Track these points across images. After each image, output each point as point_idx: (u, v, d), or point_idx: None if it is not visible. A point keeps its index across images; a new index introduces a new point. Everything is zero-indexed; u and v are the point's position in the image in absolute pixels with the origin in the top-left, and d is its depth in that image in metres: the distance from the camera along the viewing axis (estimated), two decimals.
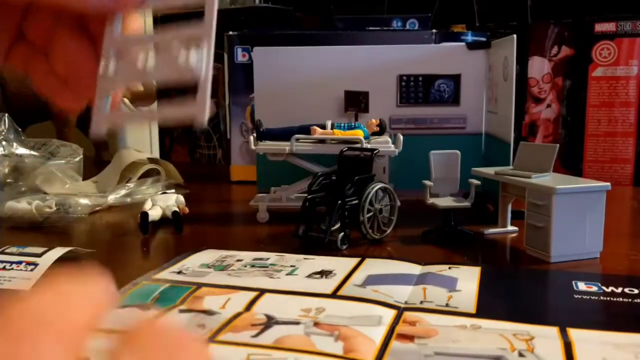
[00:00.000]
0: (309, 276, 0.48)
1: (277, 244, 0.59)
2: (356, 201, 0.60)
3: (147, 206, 0.69)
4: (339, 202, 0.59)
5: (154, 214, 0.68)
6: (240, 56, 0.98)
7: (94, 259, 0.56)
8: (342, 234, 0.59)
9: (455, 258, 0.55)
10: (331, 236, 0.58)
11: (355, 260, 0.53)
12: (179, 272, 0.50)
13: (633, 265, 0.54)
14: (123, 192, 0.82)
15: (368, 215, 0.60)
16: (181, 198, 0.73)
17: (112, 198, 0.80)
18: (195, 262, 0.53)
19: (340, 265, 0.51)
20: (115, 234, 0.68)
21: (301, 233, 0.60)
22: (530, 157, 0.60)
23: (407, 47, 0.79)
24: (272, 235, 0.66)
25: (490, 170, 0.63)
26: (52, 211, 0.70)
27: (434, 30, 0.89)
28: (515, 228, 0.65)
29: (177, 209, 0.68)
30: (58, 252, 0.53)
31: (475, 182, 0.63)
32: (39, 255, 0.52)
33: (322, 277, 0.48)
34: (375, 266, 0.51)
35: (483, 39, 0.90)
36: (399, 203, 0.64)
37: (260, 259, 0.53)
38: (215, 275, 0.49)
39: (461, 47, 0.78)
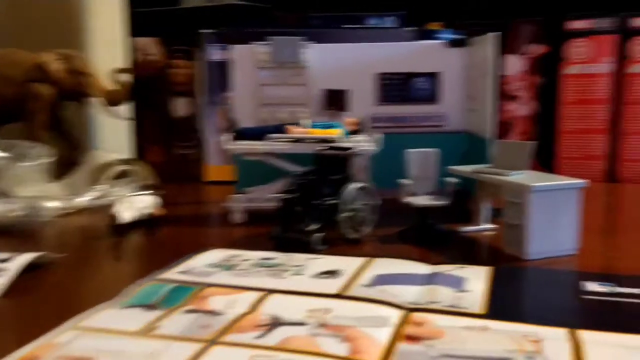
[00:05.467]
0: (316, 276, 0.48)
1: (254, 246, 0.58)
2: (334, 201, 0.59)
3: (120, 208, 0.68)
4: (317, 202, 0.58)
5: (128, 216, 0.67)
6: (216, 54, 0.96)
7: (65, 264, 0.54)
8: (320, 234, 0.58)
9: (431, 257, 0.55)
10: (308, 237, 0.58)
11: (363, 260, 0.52)
12: (185, 272, 0.49)
13: (608, 263, 0.54)
14: (95, 194, 0.80)
15: (346, 215, 0.60)
16: (156, 199, 0.72)
17: (83, 200, 0.78)
18: (202, 262, 0.52)
19: (348, 265, 0.51)
20: (87, 237, 0.66)
21: (278, 234, 0.60)
22: (507, 155, 0.60)
23: (387, 45, 0.79)
24: (248, 236, 0.65)
25: (467, 169, 0.63)
26: (21, 214, 0.68)
27: (411, 28, 0.89)
28: (492, 226, 0.65)
29: (151, 211, 0.67)
30: (28, 257, 0.51)
31: (452, 180, 0.62)
32: (7, 261, 0.50)
33: (329, 277, 0.48)
34: (383, 266, 0.50)
35: (459, 36, 0.90)
36: (377, 202, 0.64)
37: (267, 258, 0.53)
38: (221, 275, 0.48)
39: (440, 45, 0.77)
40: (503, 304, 0.42)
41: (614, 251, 0.57)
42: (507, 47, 1.05)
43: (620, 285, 0.45)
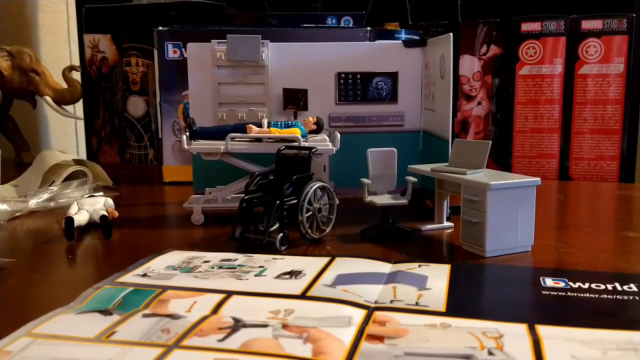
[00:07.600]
0: (278, 277, 0.47)
1: (214, 247, 0.57)
2: (295, 201, 0.59)
3: (73, 211, 0.66)
4: (277, 202, 0.58)
5: (80, 218, 0.64)
6: (171, 52, 0.94)
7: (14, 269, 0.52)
8: (281, 234, 0.58)
9: (393, 255, 0.55)
10: (269, 237, 0.57)
11: (325, 260, 0.52)
12: (144, 275, 0.48)
13: (562, 257, 0.56)
14: (46, 196, 0.77)
15: (307, 215, 0.59)
16: (110, 201, 0.70)
17: (33, 203, 0.75)
18: (161, 264, 0.51)
19: (310, 265, 0.50)
20: (38, 241, 0.64)
21: (238, 235, 0.59)
22: (465, 154, 0.61)
23: (346, 44, 0.79)
24: (208, 238, 0.64)
25: (426, 167, 0.63)
26: None
27: (368, 28, 0.90)
28: (451, 224, 0.66)
29: (105, 213, 0.65)
30: None
31: (412, 179, 0.63)
32: None
33: (291, 277, 0.47)
34: (345, 265, 0.50)
35: (416, 37, 0.91)
36: (337, 202, 0.64)
37: (228, 259, 0.52)
38: (181, 278, 0.47)
39: (398, 45, 0.78)
40: (464, 301, 0.43)
41: (568, 247, 0.59)
42: (463, 48, 1.07)
43: (575, 281, 0.47)
